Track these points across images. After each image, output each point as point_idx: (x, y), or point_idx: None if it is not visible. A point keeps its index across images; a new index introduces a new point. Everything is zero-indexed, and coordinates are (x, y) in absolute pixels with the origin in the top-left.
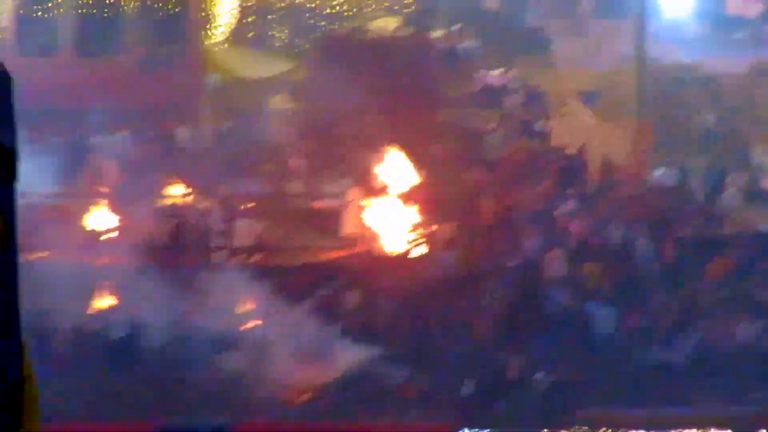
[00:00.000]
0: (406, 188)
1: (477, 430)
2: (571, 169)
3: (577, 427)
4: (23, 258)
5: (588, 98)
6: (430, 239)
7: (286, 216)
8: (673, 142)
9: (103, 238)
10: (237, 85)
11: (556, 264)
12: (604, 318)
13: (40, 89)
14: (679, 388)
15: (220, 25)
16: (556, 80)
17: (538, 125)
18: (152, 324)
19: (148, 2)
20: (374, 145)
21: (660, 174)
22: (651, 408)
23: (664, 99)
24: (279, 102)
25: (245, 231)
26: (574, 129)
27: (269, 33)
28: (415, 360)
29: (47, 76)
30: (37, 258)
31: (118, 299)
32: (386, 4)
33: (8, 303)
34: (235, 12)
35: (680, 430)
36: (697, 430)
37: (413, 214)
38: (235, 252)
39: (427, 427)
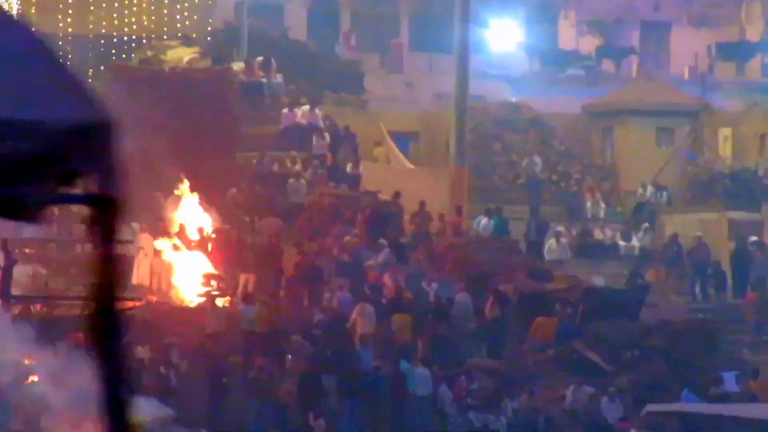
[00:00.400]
0: (202, 235)
1: None
2: (383, 217)
3: None
4: None
5: (402, 140)
6: (228, 291)
7: (69, 262)
8: (495, 188)
9: None
10: None
11: (365, 320)
12: (418, 379)
13: None
14: None
15: None
16: (368, 120)
17: (348, 168)
18: None
19: None
20: (168, 188)
21: (480, 223)
22: None
23: (487, 141)
24: None
25: (25, 278)
26: (387, 173)
27: None
28: (211, 421)
29: None
30: None
31: None
32: (181, 33)
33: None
34: None
35: None
36: None
37: (210, 263)
38: (14, 301)
39: None
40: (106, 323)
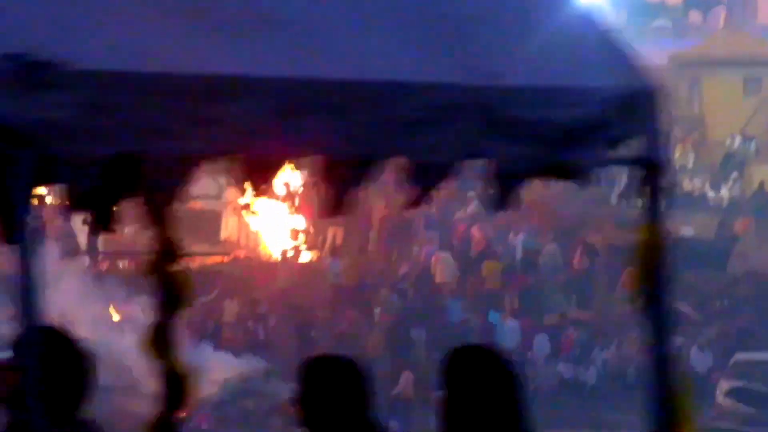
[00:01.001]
0: (290, 189)
1: None
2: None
3: None
4: None
5: None
6: (316, 245)
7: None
8: None
9: None
10: None
11: (452, 272)
12: (507, 331)
13: None
14: (590, 408)
15: None
16: None
17: None
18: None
19: None
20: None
21: None
22: (555, 430)
23: None
24: None
25: (112, 234)
26: None
27: None
28: None
29: None
30: None
31: None
32: None
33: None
34: None
35: None
36: None
37: (297, 217)
38: (100, 257)
39: None
40: None
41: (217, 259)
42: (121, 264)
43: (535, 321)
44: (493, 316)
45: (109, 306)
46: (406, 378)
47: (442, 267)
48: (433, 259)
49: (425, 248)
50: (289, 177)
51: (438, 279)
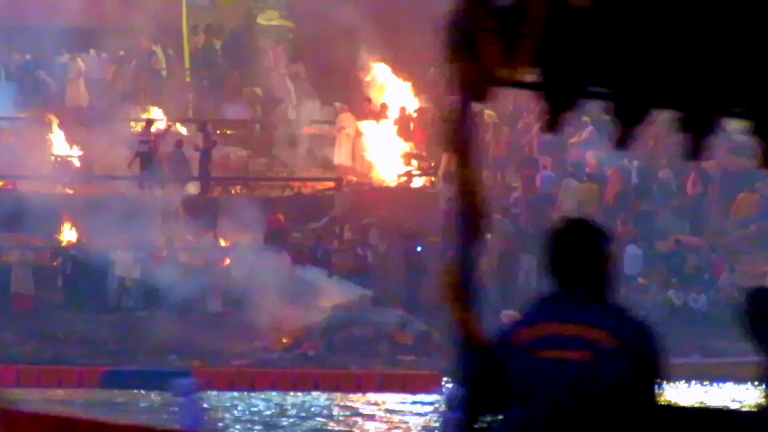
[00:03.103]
0: (404, 114)
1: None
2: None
3: None
4: None
5: None
6: (429, 170)
7: (271, 143)
8: None
9: (68, 165)
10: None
11: (568, 198)
12: (626, 257)
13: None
14: (699, 335)
15: None
16: None
17: None
18: (122, 260)
19: None
20: (370, 67)
21: None
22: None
23: None
24: (268, 18)
25: (226, 160)
26: None
27: None
28: (407, 302)
29: None
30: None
31: (84, 232)
32: None
33: None
34: None
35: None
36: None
37: (411, 142)
38: (215, 182)
39: (419, 374)
40: None
41: (329, 184)
42: (233, 190)
43: (647, 247)
44: None
45: (219, 233)
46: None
47: (569, 194)
48: (561, 185)
49: (540, 173)
50: (404, 101)
51: (564, 206)
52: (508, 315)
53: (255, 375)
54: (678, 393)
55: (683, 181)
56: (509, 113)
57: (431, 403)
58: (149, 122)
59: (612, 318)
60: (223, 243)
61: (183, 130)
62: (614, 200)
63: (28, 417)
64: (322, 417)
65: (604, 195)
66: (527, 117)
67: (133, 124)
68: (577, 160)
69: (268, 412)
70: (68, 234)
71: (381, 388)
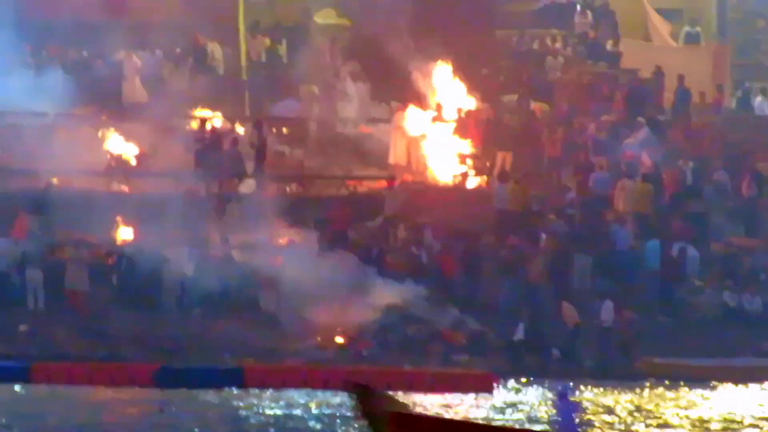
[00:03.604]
0: (459, 114)
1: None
2: (642, 95)
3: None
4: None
5: (666, 17)
6: (484, 170)
7: (327, 142)
8: (758, 66)
9: (122, 162)
10: None
11: (626, 198)
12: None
13: (56, 0)
14: (753, 337)
15: None
16: None
17: (608, 46)
18: (176, 258)
19: None
20: (426, 67)
21: (756, 101)
22: (718, 358)
23: (750, 18)
24: (325, 16)
25: (282, 158)
26: (647, 51)
27: None
28: (463, 302)
29: None
30: (56, 183)
31: (139, 230)
32: None
33: None
34: None
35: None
36: None
37: (466, 142)
38: (270, 180)
39: (470, 373)
40: None
41: (383, 183)
42: (288, 188)
43: (702, 248)
44: (652, 244)
45: (275, 230)
46: (566, 306)
47: (624, 195)
48: (617, 185)
49: (594, 173)
50: (460, 100)
51: (620, 207)
52: (568, 307)
53: (307, 372)
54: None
55: (738, 182)
56: (564, 113)
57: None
58: (203, 120)
59: None
60: (278, 241)
61: (239, 128)
62: (670, 201)
63: (422, 419)
64: None
65: (660, 195)
66: (582, 117)
67: (188, 122)
68: (631, 161)
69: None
70: (123, 232)
71: (432, 387)
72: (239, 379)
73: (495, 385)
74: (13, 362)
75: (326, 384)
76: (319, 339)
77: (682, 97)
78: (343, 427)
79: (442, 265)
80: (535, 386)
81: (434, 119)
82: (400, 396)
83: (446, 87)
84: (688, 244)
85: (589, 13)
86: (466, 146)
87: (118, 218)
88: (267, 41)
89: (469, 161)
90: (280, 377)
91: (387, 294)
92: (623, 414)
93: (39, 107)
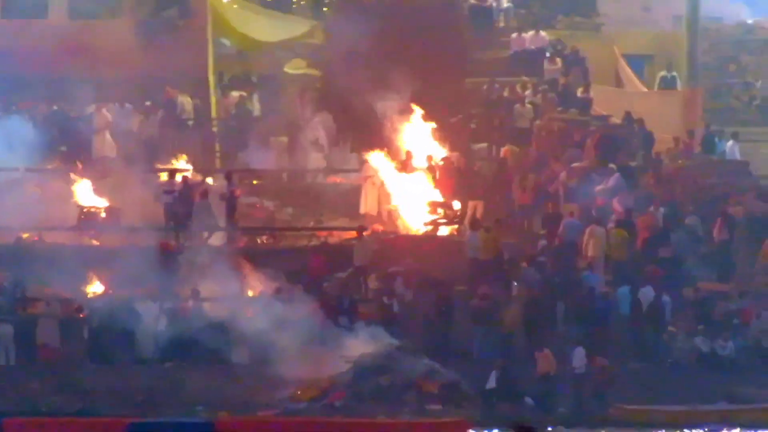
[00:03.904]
0: (430, 162)
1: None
2: (613, 141)
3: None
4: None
5: (637, 63)
6: (455, 218)
7: (298, 193)
8: (729, 110)
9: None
10: (248, 49)
11: (596, 243)
12: (649, 303)
13: (26, 54)
14: (727, 382)
15: None
16: (601, 43)
17: (579, 92)
18: (148, 311)
19: None
20: (396, 116)
21: (727, 145)
22: (692, 404)
23: (722, 63)
24: (295, 66)
25: (253, 209)
26: (618, 97)
27: None
28: (436, 351)
29: (34, 40)
30: (27, 237)
31: (110, 283)
32: None
33: None
34: None
35: (723, 428)
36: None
37: (437, 190)
38: (241, 232)
39: (445, 422)
40: None
41: (356, 233)
42: (259, 240)
43: (674, 293)
44: (623, 290)
45: (244, 283)
46: (542, 356)
47: (594, 241)
48: (587, 231)
49: (564, 220)
50: (432, 149)
51: (589, 253)
52: (546, 355)
53: (280, 424)
54: None
55: (710, 226)
56: (536, 160)
57: None
58: (172, 172)
59: None
60: (249, 293)
61: (210, 180)
62: (642, 246)
63: None
64: None
65: (632, 241)
66: (553, 164)
67: (158, 174)
68: (602, 206)
69: None
70: (94, 285)
71: None
72: None
73: None
74: None
75: None
76: (291, 391)
77: (645, 141)
78: None
79: (415, 314)
80: None
81: (404, 168)
82: None
83: (416, 135)
84: (660, 289)
85: (558, 60)
86: (437, 195)
87: (89, 272)
88: (237, 93)
89: (440, 210)
90: (251, 430)
91: (359, 344)
92: None
93: (9, 162)
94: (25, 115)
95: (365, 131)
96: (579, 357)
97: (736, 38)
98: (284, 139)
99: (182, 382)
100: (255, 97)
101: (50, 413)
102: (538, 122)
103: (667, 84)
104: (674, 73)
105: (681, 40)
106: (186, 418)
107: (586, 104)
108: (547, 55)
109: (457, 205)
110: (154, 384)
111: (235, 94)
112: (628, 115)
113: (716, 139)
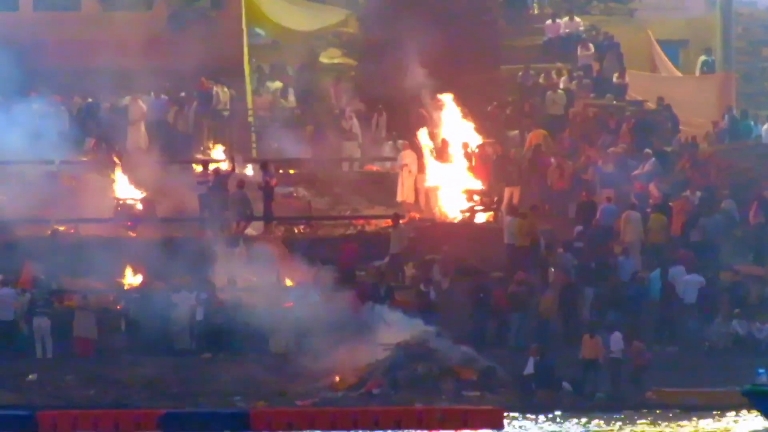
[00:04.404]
0: (466, 150)
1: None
2: (648, 126)
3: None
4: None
5: (672, 48)
6: (492, 205)
7: (334, 181)
8: (764, 94)
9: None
10: (283, 39)
11: (632, 228)
12: (685, 287)
13: (61, 48)
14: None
15: None
16: (635, 29)
17: (614, 78)
18: (185, 302)
19: None
20: (432, 104)
21: (764, 130)
22: (729, 387)
23: (756, 47)
24: (330, 56)
25: (289, 199)
26: (653, 82)
27: None
28: (473, 338)
29: (69, 33)
30: (63, 230)
31: (146, 275)
32: None
33: None
34: None
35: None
36: None
37: (473, 178)
38: (277, 222)
39: (480, 409)
40: None
41: (391, 221)
42: (296, 229)
43: (710, 277)
44: (656, 275)
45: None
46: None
47: (631, 226)
48: (623, 216)
49: (601, 205)
50: (466, 137)
51: (626, 238)
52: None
53: (314, 414)
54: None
55: (745, 210)
56: (568, 146)
57: None
58: (206, 163)
59: None
60: (286, 283)
61: (247, 170)
62: (680, 231)
63: None
64: None
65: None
66: (589, 150)
67: (194, 165)
68: (641, 192)
69: None
70: (130, 277)
71: (442, 424)
72: (245, 422)
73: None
74: (18, 410)
75: (333, 426)
76: (329, 379)
77: (674, 124)
78: None
79: (452, 302)
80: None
81: (441, 156)
82: None
83: (452, 123)
84: (696, 273)
85: (592, 46)
86: (474, 182)
87: (126, 264)
88: (272, 83)
89: (477, 197)
90: (286, 420)
91: (396, 332)
92: None
93: (44, 154)
94: (60, 107)
95: (400, 120)
96: (616, 341)
97: None
98: (319, 128)
99: (220, 373)
100: (290, 86)
101: (87, 406)
102: (572, 109)
103: (709, 68)
104: (713, 58)
105: (715, 25)
106: (221, 409)
107: (621, 90)
108: (581, 41)
109: (493, 191)
110: (190, 375)
111: (270, 84)
112: (660, 100)
113: (752, 123)
